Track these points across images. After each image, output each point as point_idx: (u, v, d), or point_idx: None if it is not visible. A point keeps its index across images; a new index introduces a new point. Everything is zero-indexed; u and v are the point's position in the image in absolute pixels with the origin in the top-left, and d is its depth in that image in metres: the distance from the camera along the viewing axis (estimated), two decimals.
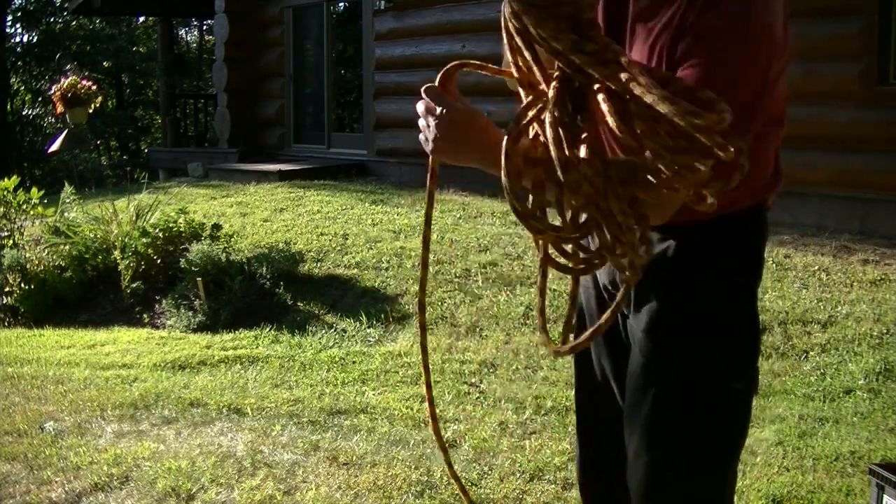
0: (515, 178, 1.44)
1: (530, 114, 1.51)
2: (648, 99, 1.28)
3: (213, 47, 15.58)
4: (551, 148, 1.38)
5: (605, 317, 1.49)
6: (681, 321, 1.70)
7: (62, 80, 8.41)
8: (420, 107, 1.62)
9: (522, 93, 1.58)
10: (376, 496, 3.13)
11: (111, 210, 7.31)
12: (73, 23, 22.64)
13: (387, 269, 6.32)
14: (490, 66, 1.67)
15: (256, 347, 5.28)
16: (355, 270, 6.39)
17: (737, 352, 1.71)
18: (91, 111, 8.74)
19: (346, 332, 5.53)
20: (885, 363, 4.26)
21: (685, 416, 1.70)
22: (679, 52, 1.51)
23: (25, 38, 23.25)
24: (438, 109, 1.60)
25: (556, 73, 1.43)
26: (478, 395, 4.25)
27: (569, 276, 1.66)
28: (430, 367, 5.05)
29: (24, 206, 7.55)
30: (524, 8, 1.39)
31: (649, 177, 1.34)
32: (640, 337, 1.73)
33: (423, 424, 3.84)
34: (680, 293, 1.70)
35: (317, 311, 5.93)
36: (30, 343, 5.70)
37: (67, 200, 7.90)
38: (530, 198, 1.44)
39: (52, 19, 22.89)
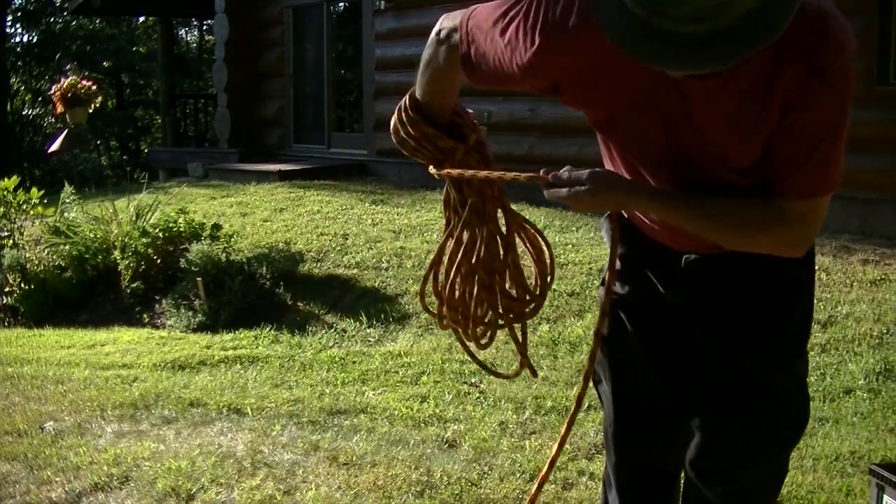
0: None
1: None
2: None
3: (213, 47, 15.57)
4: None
5: None
6: (766, 320, 1.80)
7: (62, 80, 8.41)
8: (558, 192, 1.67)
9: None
10: (376, 496, 3.13)
11: (111, 210, 7.31)
12: (73, 23, 22.60)
13: (387, 269, 6.32)
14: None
15: (256, 347, 5.28)
16: (355, 270, 6.39)
17: (802, 338, 1.86)
18: (91, 111, 8.73)
19: (346, 332, 5.53)
20: (885, 363, 4.26)
21: (763, 406, 1.81)
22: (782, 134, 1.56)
23: (25, 38, 23.23)
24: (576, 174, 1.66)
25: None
26: (478, 395, 4.25)
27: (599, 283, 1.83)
28: (430, 367, 5.03)
29: (24, 206, 7.55)
30: None
31: None
32: (723, 338, 1.82)
33: (423, 424, 3.84)
34: (763, 294, 1.80)
35: (317, 311, 5.93)
36: (30, 343, 5.70)
37: (67, 200, 7.90)
38: None
39: (52, 19, 22.84)
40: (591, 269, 5.78)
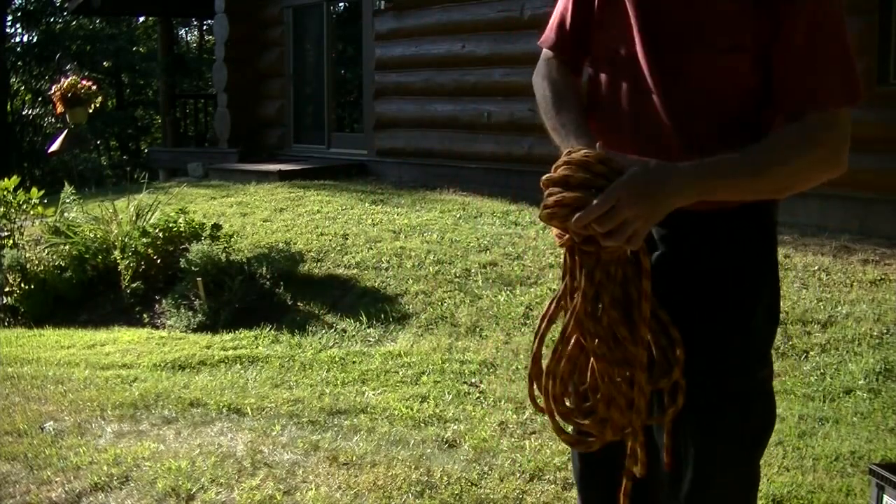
0: None
1: None
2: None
3: (213, 47, 15.57)
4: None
5: None
6: (717, 315, 1.69)
7: (62, 80, 8.41)
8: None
9: None
10: (376, 496, 3.13)
11: (111, 210, 7.31)
12: (73, 23, 22.59)
13: (387, 269, 6.32)
14: None
15: (256, 347, 5.28)
16: (355, 270, 6.39)
17: (765, 340, 1.74)
18: (91, 111, 8.73)
19: (346, 332, 5.53)
20: (885, 363, 4.26)
21: (724, 410, 1.70)
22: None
23: (25, 38, 23.23)
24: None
25: None
26: (478, 395, 4.25)
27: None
28: (430, 367, 5.02)
29: (24, 206, 7.55)
30: None
31: None
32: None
33: (423, 424, 3.84)
34: (716, 286, 1.70)
35: (317, 311, 5.93)
36: (30, 343, 5.70)
37: (67, 200, 7.90)
38: None
39: (52, 19, 22.83)
40: None
